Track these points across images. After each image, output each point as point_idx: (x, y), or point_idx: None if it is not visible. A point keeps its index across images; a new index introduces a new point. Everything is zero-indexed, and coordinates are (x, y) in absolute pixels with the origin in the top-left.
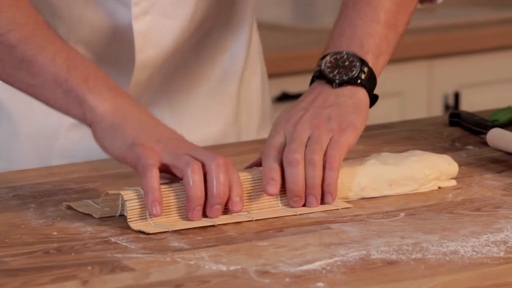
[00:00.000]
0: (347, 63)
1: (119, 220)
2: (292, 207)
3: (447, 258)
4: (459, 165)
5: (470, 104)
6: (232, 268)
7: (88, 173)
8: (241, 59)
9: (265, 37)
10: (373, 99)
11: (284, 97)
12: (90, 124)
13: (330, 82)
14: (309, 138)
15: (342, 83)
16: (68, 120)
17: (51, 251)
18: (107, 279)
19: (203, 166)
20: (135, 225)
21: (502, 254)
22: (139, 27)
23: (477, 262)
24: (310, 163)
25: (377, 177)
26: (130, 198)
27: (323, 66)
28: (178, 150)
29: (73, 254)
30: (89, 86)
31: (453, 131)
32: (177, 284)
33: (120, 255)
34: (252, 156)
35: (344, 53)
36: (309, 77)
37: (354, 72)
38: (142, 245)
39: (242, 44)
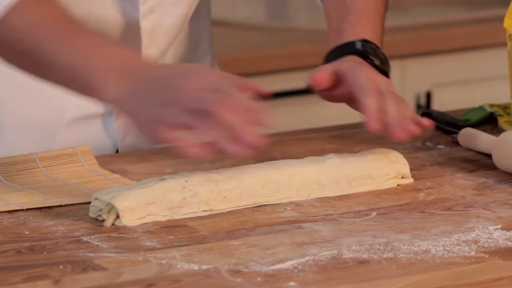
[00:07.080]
0: (382, 57)
1: (91, 220)
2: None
3: (419, 258)
4: (431, 165)
5: (442, 103)
6: (204, 267)
7: None
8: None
9: (239, 36)
10: None
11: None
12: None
13: (374, 65)
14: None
15: (382, 72)
16: (67, 116)
17: (22, 250)
18: (79, 278)
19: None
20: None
21: (473, 253)
22: (146, 25)
23: (448, 262)
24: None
25: (337, 176)
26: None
27: (368, 47)
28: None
29: (45, 253)
30: (93, 65)
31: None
32: (149, 284)
33: (92, 254)
34: None
35: (376, 46)
36: (283, 76)
37: (388, 68)
38: (114, 244)
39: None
